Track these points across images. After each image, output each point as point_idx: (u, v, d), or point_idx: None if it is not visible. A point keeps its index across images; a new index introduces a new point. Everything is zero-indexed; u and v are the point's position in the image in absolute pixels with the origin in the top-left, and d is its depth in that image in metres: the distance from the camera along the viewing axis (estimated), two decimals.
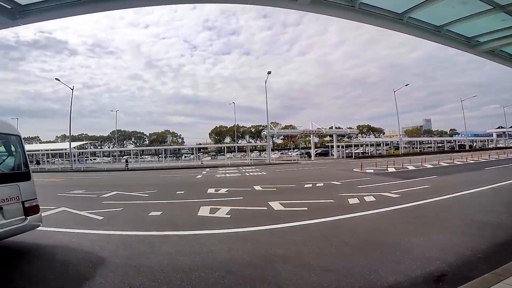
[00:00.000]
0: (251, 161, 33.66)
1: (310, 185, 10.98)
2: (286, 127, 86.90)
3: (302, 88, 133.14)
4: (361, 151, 44.29)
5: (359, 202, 7.33)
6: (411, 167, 17.98)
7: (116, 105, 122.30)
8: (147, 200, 8.65)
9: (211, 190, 10.22)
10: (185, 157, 53.37)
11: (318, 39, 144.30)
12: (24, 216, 3.99)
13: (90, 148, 62.75)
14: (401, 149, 42.53)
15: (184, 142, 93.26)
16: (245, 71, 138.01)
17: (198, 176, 17.48)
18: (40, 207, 6.96)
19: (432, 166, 18.13)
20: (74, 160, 35.20)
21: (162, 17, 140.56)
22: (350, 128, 45.89)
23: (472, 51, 6.10)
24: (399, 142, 44.38)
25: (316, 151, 46.95)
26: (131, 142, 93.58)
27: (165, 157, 41.90)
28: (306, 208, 6.66)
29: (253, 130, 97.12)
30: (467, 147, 50.70)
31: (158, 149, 52.80)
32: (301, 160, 37.59)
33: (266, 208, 6.82)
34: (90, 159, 46.85)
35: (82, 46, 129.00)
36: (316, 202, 7.46)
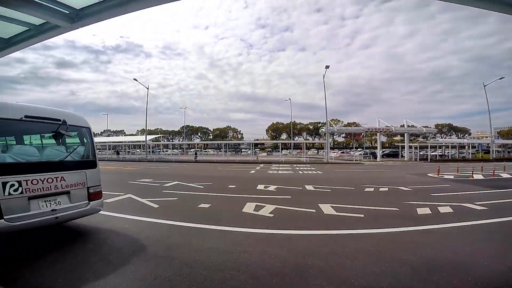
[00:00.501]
0: (306, 159, 32.63)
1: (372, 189, 9.85)
2: (349, 124, 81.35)
3: (367, 84, 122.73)
4: (439, 154, 38.03)
5: (430, 212, 6.16)
6: (505, 175, 14.47)
7: (185, 102, 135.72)
8: (201, 191, 9.13)
9: (260, 186, 10.17)
10: (243, 152, 55.46)
11: (383, 30, 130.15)
12: (87, 201, 4.51)
13: (164, 141, 71.02)
14: (492, 153, 34.87)
15: (243, 138, 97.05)
16: (302, 67, 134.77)
17: (251, 171, 17.77)
18: (111, 193, 8.06)
19: None
20: (149, 151, 40.43)
21: (219, 18, 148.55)
22: (426, 126, 39.77)
23: None
24: (490, 144, 36.46)
25: (383, 152, 42.51)
26: (198, 137, 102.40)
27: (225, 151, 44.32)
28: (362, 215, 5.91)
29: (311, 127, 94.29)
30: None
31: (220, 144, 56.21)
32: (365, 160, 34.55)
33: (314, 210, 6.34)
34: (163, 151, 53.02)
35: (155, 49, 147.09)
36: (376, 209, 6.57)
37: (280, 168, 21.36)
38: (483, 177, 13.77)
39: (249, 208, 6.49)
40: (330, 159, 32.08)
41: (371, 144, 77.66)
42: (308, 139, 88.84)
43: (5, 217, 3.40)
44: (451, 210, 6.36)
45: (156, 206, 6.80)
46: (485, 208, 6.57)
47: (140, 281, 2.93)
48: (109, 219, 5.50)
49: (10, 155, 3.82)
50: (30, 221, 3.66)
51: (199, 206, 6.79)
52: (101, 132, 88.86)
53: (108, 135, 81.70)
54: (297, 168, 20.94)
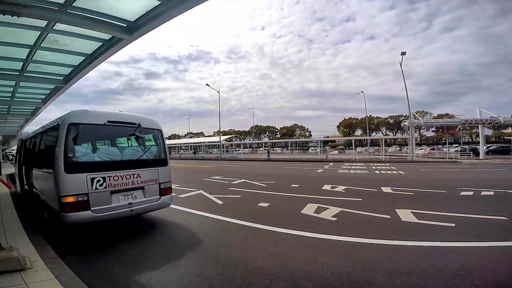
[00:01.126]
0: (385, 157, 28.93)
1: (471, 193, 7.88)
2: (439, 116, 68.60)
3: (459, 70, 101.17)
4: None
5: None
6: None
7: (253, 103, 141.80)
8: (263, 190, 9.13)
9: (326, 187, 9.44)
10: (312, 150, 53.72)
11: (466, 11, 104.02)
12: (159, 196, 4.99)
13: (236, 140, 75.78)
14: None
15: (311, 135, 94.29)
16: (373, 57, 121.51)
17: (319, 170, 16.86)
18: (186, 189, 8.86)
19: None
20: (223, 151, 43.73)
21: (272, 17, 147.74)
22: None
23: None
24: None
25: (488, 148, 33.99)
26: (266, 136, 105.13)
27: (292, 149, 43.88)
28: (453, 224, 4.73)
29: (391, 121, 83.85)
30: None
31: (287, 142, 56.12)
32: (462, 158, 28.36)
33: (389, 216, 5.40)
34: (235, 150, 56.57)
35: (221, 54, 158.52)
36: (474, 217, 5.18)
37: (353, 167, 19.57)
38: None
39: (309, 209, 6.04)
40: (416, 157, 27.57)
41: (471, 138, 63.54)
42: (388, 135, 79.28)
43: (92, 209, 4.03)
44: None
45: (220, 202, 7.11)
46: None
47: (184, 277, 3.01)
48: (179, 213, 6.00)
49: (98, 155, 4.54)
50: (111, 213, 4.24)
51: (259, 205, 6.74)
52: (184, 135, 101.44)
53: (190, 137, 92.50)
54: (374, 167, 18.74)
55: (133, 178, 4.64)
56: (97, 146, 5.19)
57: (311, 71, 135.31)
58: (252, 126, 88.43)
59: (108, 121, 4.58)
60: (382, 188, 9.12)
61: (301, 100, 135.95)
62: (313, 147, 58.41)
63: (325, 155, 34.62)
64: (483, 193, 7.88)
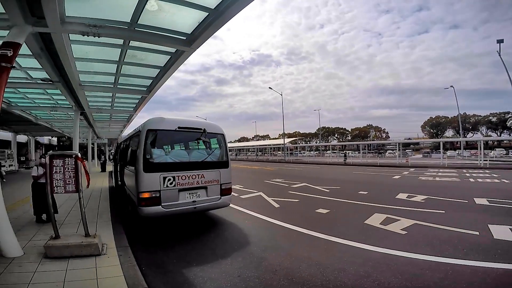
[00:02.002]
0: (485, 162, 23.42)
1: None
2: None
3: None
4: None
5: None
6: None
7: (319, 104, 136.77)
8: (325, 195, 8.69)
9: (402, 196, 8.30)
10: (389, 153, 48.08)
11: None
12: (219, 196, 5.37)
13: (301, 143, 74.52)
14: None
15: (388, 137, 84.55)
16: (462, 47, 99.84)
17: (395, 177, 14.92)
18: (247, 190, 9.25)
19: None
20: (287, 153, 43.64)
21: (331, 14, 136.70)
22: None
23: None
24: None
25: None
26: (335, 138, 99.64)
27: (364, 152, 40.26)
28: None
29: (493, 119, 67.65)
30: None
31: (359, 145, 51.86)
32: None
33: (477, 233, 4.41)
34: (300, 153, 55.69)
35: (282, 57, 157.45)
36: None
37: (440, 173, 16.59)
38: None
39: (375, 220, 5.44)
40: None
41: None
42: (490, 135, 64.16)
43: (162, 204, 4.64)
44: None
45: (277, 206, 7.13)
46: None
47: (225, 276, 3.14)
48: (236, 214, 6.31)
49: (169, 156, 5.21)
50: (177, 209, 4.79)
51: (317, 211, 6.47)
52: (251, 138, 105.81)
53: (257, 140, 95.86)
54: (468, 174, 15.44)
55: (198, 178, 5.11)
56: (169, 149, 5.95)
57: (384, 67, 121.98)
58: (318, 128, 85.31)
59: (179, 127, 5.20)
60: (475, 199, 7.45)
61: (375, 99, 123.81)
62: (390, 150, 52.34)
63: (405, 159, 30.43)
64: None
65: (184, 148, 6.13)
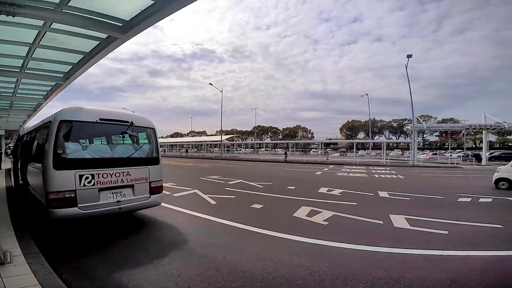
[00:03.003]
0: (386, 160, 28.73)
1: (468, 199, 7.80)
2: (444, 121, 68.01)
3: (469, 73, 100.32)
4: None
5: None
6: None
7: (257, 103, 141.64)
8: (259, 191, 9.08)
9: (323, 190, 9.37)
10: (313, 152, 53.53)
11: (479, 13, 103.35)
12: (149, 195, 4.97)
13: (238, 140, 75.70)
14: None
15: (313, 137, 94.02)
16: (381, 59, 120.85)
17: (318, 173, 16.76)
18: (181, 188, 8.85)
19: None
20: (224, 150, 43.77)
21: (278, 17, 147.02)
22: None
23: None
24: None
25: (490, 154, 33.73)
26: (268, 136, 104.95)
27: (292, 151, 43.75)
28: (446, 232, 4.66)
29: (394, 124, 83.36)
30: None
31: (288, 143, 56.03)
32: (464, 164, 28.10)
33: (382, 222, 5.33)
34: (236, 150, 56.58)
35: (226, 54, 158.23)
36: (469, 225, 5.14)
37: (352, 170, 19.45)
38: None
39: (302, 212, 5.99)
40: (417, 162, 27.33)
41: (475, 144, 63.00)
42: (391, 138, 78.80)
43: (79, 205, 4.03)
44: None
45: (214, 203, 7.07)
46: None
47: (165, 276, 2.98)
48: (169, 213, 5.97)
49: (88, 152, 4.53)
50: (98, 210, 4.23)
51: (252, 206, 6.70)
52: (187, 133, 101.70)
53: (193, 136, 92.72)
54: (373, 171, 18.61)
55: (123, 176, 4.63)
56: (88, 144, 5.19)
57: (316, 72, 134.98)
58: (254, 126, 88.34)
59: (101, 119, 4.58)
60: (379, 192, 9.03)
61: (305, 102, 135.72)
62: (314, 149, 58.26)
63: (326, 157, 34.46)
64: (481, 199, 7.79)
65: (106, 142, 5.43)
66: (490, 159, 30.81)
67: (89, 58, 6.37)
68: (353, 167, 22.13)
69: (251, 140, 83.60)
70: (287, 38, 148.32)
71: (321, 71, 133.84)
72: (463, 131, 36.75)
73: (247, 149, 57.24)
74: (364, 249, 3.86)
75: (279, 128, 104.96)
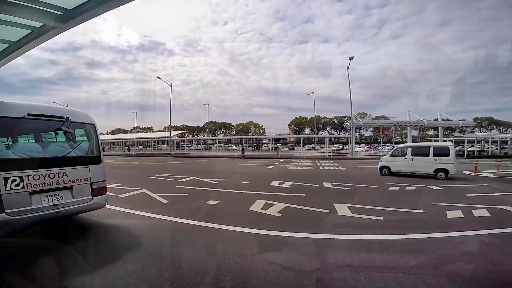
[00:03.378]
0: (329, 154, 31.47)
1: (397, 188, 9.08)
2: (377, 118, 77.39)
3: (398, 75, 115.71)
4: (478, 149, 34.72)
5: (462, 216, 5.46)
6: None
7: (209, 99, 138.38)
8: (214, 187, 9.02)
9: (275, 183, 9.82)
10: (265, 147, 55.18)
11: (414, 19, 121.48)
12: (91, 196, 4.55)
13: (188, 136, 73.00)
14: None
15: (265, 133, 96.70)
16: (326, 60, 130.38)
17: (269, 167, 17.43)
18: (127, 188, 8.21)
19: None
20: (174, 147, 41.77)
21: (237, 13, 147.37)
22: (463, 120, 36.29)
23: None
24: None
25: None
26: (221, 132, 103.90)
27: (245, 146, 44.32)
28: (381, 218, 5.34)
29: (336, 121, 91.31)
30: None
31: (241, 139, 56.51)
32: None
33: (328, 211, 5.87)
34: (187, 146, 54.57)
35: (177, 47, 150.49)
36: (398, 211, 5.95)
37: (300, 163, 20.75)
38: None
39: (257, 206, 6.20)
40: (355, 155, 30.63)
41: (402, 138, 73.39)
42: (333, 134, 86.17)
43: (6, 211, 3.49)
44: (488, 214, 5.56)
45: (165, 201, 6.78)
46: None
47: (123, 279, 2.83)
48: (117, 215, 5.54)
49: (13, 151, 3.89)
50: (32, 215, 3.73)
51: (208, 202, 6.65)
52: (130, 129, 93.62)
53: (137, 132, 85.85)
54: (318, 164, 20.19)
55: (58, 177, 4.14)
56: (14, 142, 4.44)
57: (268, 70, 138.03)
58: (206, 122, 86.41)
59: (29, 114, 3.99)
60: (324, 183, 9.88)
61: (258, 98, 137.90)
62: (266, 144, 60.06)
63: (276, 152, 35.94)
64: (407, 188, 9.17)
65: (36, 141, 4.73)
66: None
67: (16, 48, 5.47)
68: (301, 161, 23.62)
69: (203, 136, 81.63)
70: (244, 34, 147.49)
71: (273, 68, 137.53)
72: (392, 127, 42.45)
73: (199, 145, 55.77)
74: (313, 237, 4.22)
75: (232, 124, 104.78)
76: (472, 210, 5.82)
